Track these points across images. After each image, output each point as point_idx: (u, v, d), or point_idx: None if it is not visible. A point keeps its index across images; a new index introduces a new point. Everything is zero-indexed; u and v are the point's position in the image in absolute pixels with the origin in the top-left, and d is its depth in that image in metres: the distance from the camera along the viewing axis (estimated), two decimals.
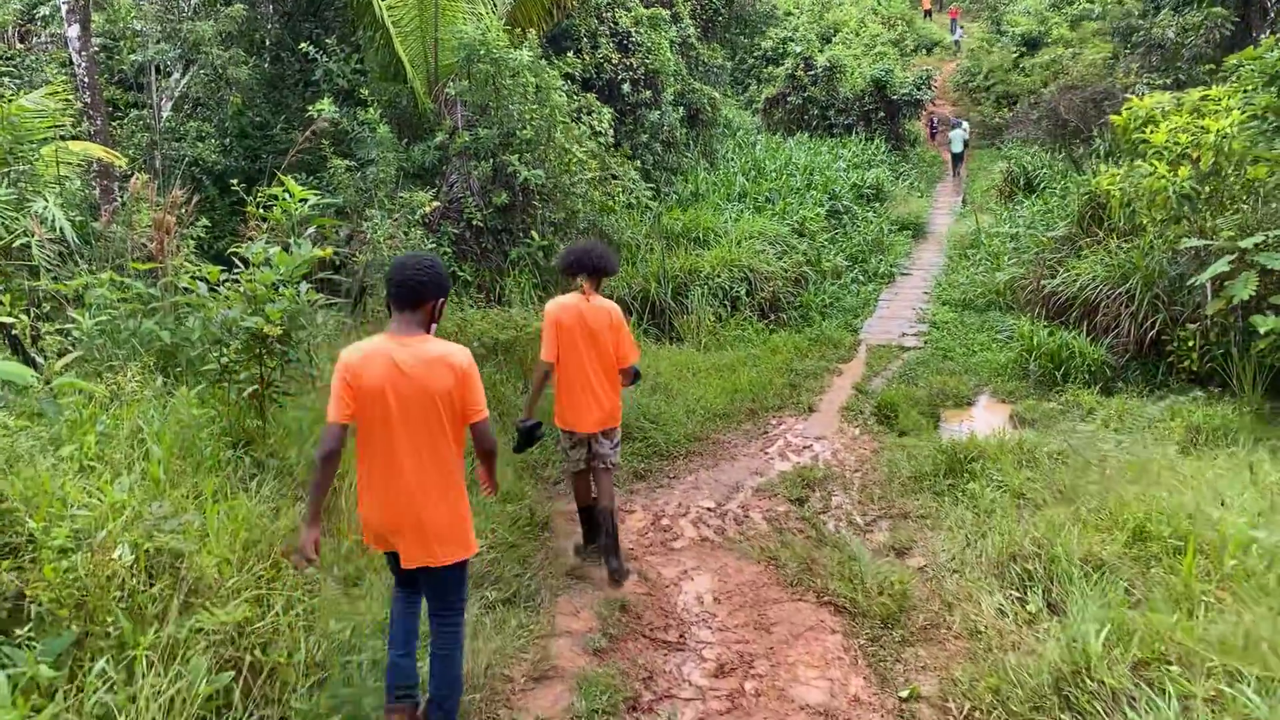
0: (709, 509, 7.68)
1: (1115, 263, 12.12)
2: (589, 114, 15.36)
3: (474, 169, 13.27)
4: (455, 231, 12.88)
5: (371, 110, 12.76)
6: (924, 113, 32.07)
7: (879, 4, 45.18)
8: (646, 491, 8.02)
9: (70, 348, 5.40)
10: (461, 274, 12.25)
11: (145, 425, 4.31)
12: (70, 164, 8.88)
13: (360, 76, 14.67)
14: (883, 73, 29.68)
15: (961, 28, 42.19)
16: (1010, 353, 12.66)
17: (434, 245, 11.79)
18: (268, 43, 16.60)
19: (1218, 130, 10.11)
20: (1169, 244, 11.34)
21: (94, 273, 6.47)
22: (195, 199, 8.79)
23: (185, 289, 5.39)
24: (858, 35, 39.66)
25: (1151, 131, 10.90)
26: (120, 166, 9.71)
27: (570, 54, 15.96)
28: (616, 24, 20.02)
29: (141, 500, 3.35)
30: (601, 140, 15.04)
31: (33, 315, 5.79)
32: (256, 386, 4.66)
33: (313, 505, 3.52)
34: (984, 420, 10.77)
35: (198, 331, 5.05)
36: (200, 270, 5.60)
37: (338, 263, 11.28)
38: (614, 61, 19.40)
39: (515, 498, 6.59)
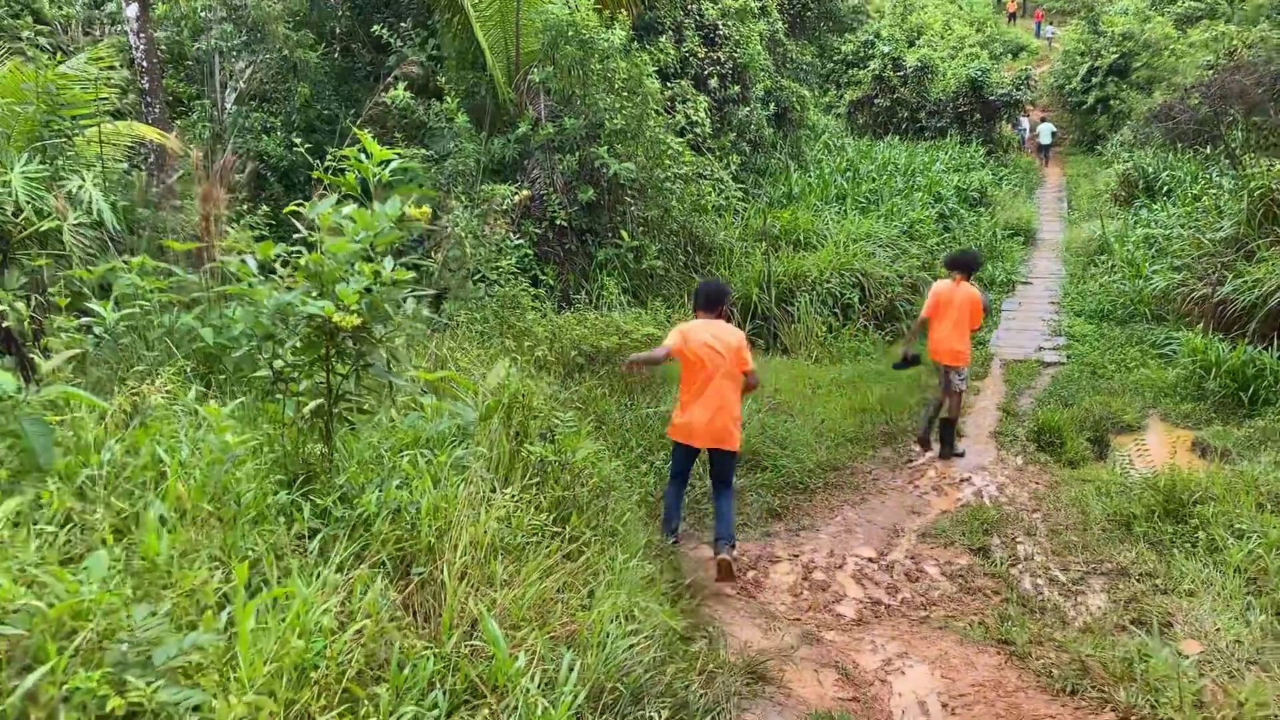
0: (869, 559, 6.20)
1: None
2: (684, 102, 14.02)
3: (558, 163, 12.01)
4: (537, 231, 11.59)
5: (450, 99, 11.60)
6: (1022, 115, 30.17)
7: (962, 7, 43.41)
8: (787, 535, 6.56)
9: (88, 349, 4.16)
10: (544, 278, 10.95)
11: (168, 456, 3.02)
12: (117, 144, 7.75)
13: (436, 65, 13.54)
14: (978, 72, 27.89)
15: (1053, 27, 40.16)
16: (1178, 370, 10.91)
17: (516, 245, 10.55)
18: (338, 32, 15.62)
19: None
20: None
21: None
22: (254, 184, 7.64)
23: (232, 275, 4.09)
24: (943, 38, 37.87)
25: None
26: (174, 150, 8.57)
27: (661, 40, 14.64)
28: (703, 16, 18.68)
29: (128, 595, 2.03)
30: (700, 131, 13.66)
31: (44, 309, 4.57)
32: (322, 400, 3.31)
33: (644, 358, 5.82)
34: (1158, 448, 9.12)
35: (243, 324, 3.75)
36: (249, 248, 4.37)
37: (411, 263, 10.13)
38: (700, 55, 18.04)
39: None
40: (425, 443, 3.88)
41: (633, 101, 12.35)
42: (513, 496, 3.62)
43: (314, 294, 3.14)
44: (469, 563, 3.08)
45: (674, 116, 13.72)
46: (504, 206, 9.43)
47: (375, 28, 12.91)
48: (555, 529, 3.67)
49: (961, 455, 8.70)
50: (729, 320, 6.34)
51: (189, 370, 4.24)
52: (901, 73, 28.79)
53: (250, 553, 2.71)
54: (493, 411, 4.20)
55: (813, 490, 7.44)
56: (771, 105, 20.25)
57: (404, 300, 3.59)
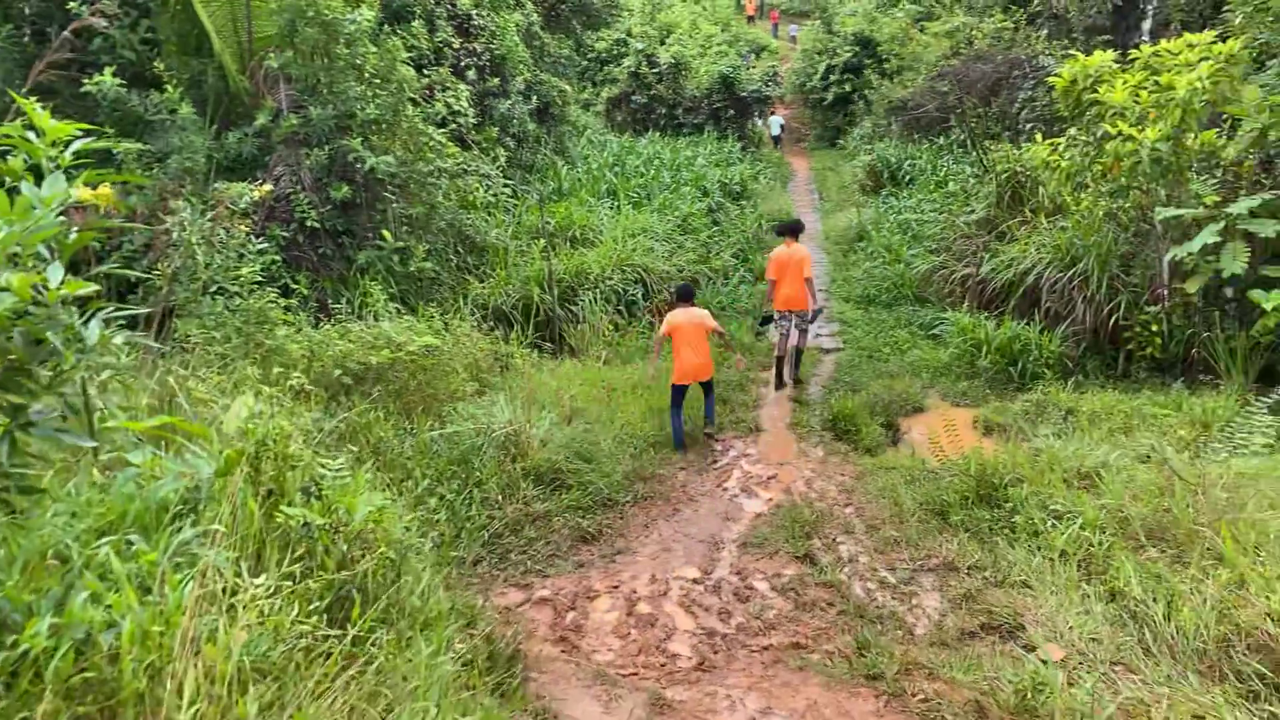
0: (694, 581, 5.59)
1: (1059, 243, 10.86)
2: (444, 91, 12.94)
3: (306, 158, 10.67)
4: (285, 234, 10.19)
5: (171, 89, 10.00)
6: (771, 111, 31.19)
7: (705, 7, 44.62)
8: (602, 562, 5.82)
9: None
10: (296, 287, 9.61)
11: None
12: None
13: (153, 50, 11.70)
14: (730, 69, 28.50)
15: (795, 26, 42.07)
16: (950, 350, 11.18)
17: (260, 250, 9.17)
18: (27, 12, 13.25)
19: (1189, 83, 8.90)
20: (1126, 216, 10.16)
21: None
22: None
23: None
24: (691, 37, 38.66)
25: (1106, 91, 9.63)
26: None
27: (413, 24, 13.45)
28: (455, 4, 17.61)
29: None
30: (463, 121, 12.65)
31: None
32: None
33: (652, 359, 9.31)
34: (939, 426, 9.19)
35: None
36: None
37: (134, 279, 8.53)
38: (456, 46, 16.97)
39: None
40: (135, 521, 2.78)
41: (386, 90, 11.18)
42: (268, 589, 2.62)
43: None
44: (204, 710, 2.08)
45: (434, 106, 12.62)
46: (241, 206, 8.06)
47: (71, 4, 10.95)
48: (332, 630, 2.70)
49: (800, 383, 10.80)
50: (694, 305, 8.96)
51: None
52: (656, 70, 28.94)
53: None
54: (234, 464, 3.15)
55: (623, 505, 6.75)
56: (534, 99, 19.49)
57: (103, 325, 2.50)
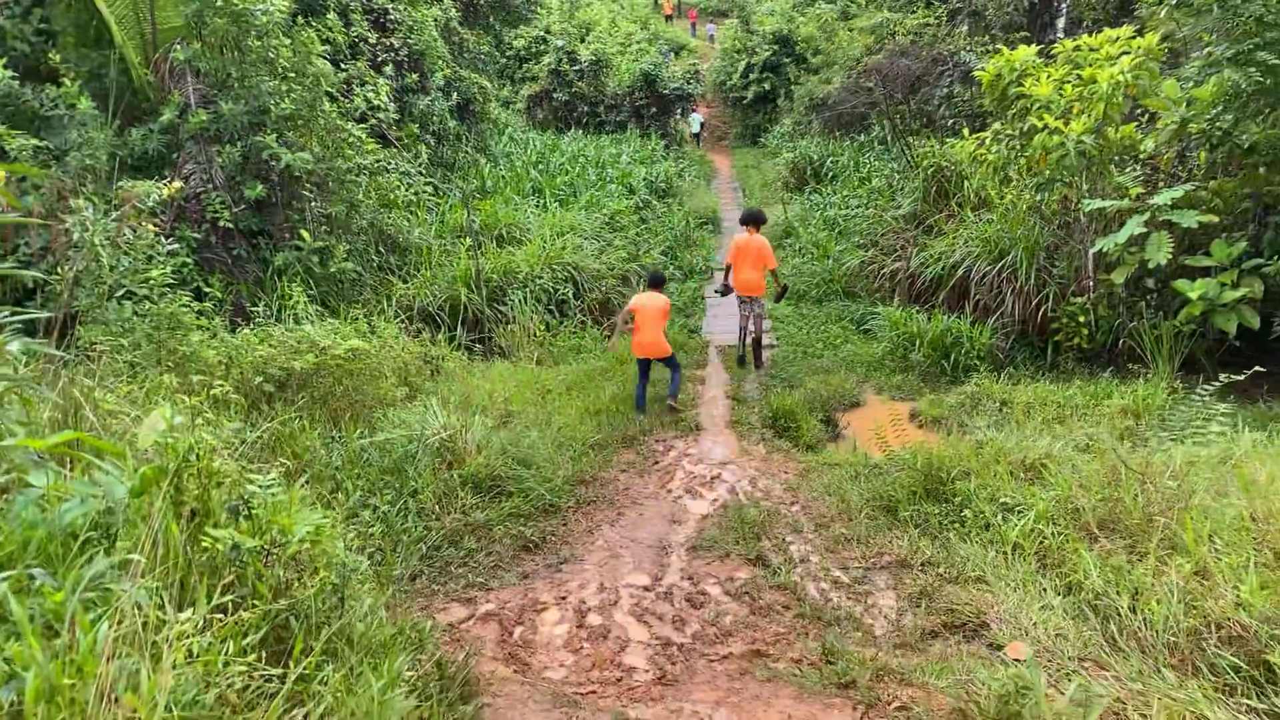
0: (645, 588, 5.38)
1: (986, 236, 10.97)
2: (362, 85, 12.47)
3: (217, 155, 10.16)
4: (196, 236, 9.69)
5: (68, 83, 9.41)
6: (693, 109, 31.19)
7: (623, 6, 44.49)
8: (548, 572, 5.56)
9: None
10: (210, 290, 9.12)
11: None
12: None
13: (48, 41, 11.03)
14: (652, 66, 28.39)
15: (713, 25, 42.20)
16: (883, 344, 11.21)
17: (170, 251, 8.67)
18: None
19: (1110, 77, 9.05)
20: (1050, 209, 10.29)
21: None
22: None
23: None
24: (611, 34, 38.47)
25: (1032, 85, 9.73)
26: None
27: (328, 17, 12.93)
28: None
29: None
30: (383, 116, 12.20)
31: None
32: None
33: (617, 332, 9.74)
34: (877, 420, 9.17)
35: None
36: None
37: (32, 282, 7.96)
38: (372, 41, 16.45)
39: None
40: (39, 552, 2.45)
41: (302, 84, 10.70)
42: (196, 624, 2.32)
43: None
44: None
45: (352, 101, 12.15)
46: (149, 205, 7.57)
47: None
48: (272, 668, 2.41)
49: (765, 365, 11.32)
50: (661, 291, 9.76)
51: None
52: (577, 67, 28.68)
53: None
54: (152, 483, 2.83)
55: (566, 511, 6.50)
56: (454, 96, 19.04)
57: None
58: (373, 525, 5.36)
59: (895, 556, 5.67)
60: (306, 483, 5.56)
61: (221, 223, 9.78)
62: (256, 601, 2.65)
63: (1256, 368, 6.77)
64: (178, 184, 8.17)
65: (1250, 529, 4.26)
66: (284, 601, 2.67)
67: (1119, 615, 4.03)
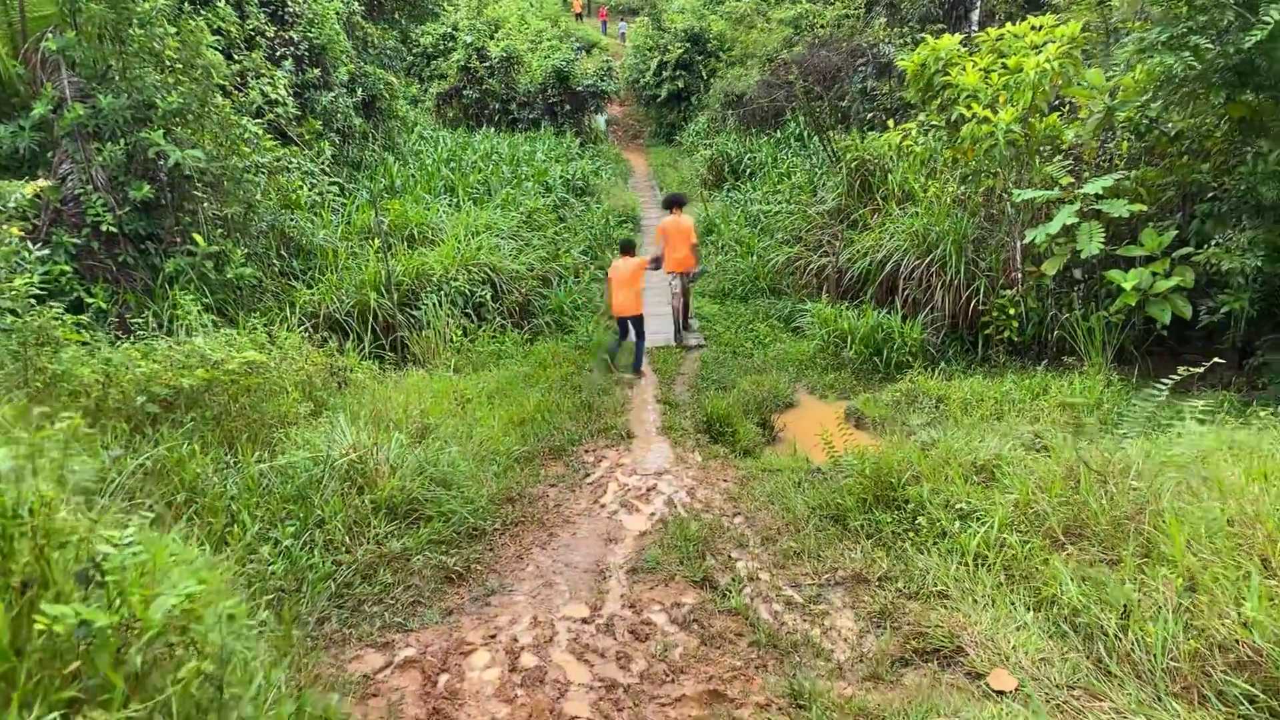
0: (583, 621, 4.88)
1: (914, 230, 10.78)
2: (258, 78, 11.65)
3: (98, 154, 9.32)
4: (75, 241, 8.86)
5: None
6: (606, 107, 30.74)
7: (532, 4, 43.81)
8: (475, 607, 5.02)
9: None
10: (92, 300, 8.30)
11: None
12: None
13: None
14: (564, 63, 27.84)
15: (625, 23, 41.83)
16: (814, 342, 10.92)
17: (41, 257, 7.84)
18: None
19: (1036, 65, 8.90)
20: (974, 201, 10.14)
21: None
22: None
23: None
24: (521, 31, 37.75)
25: (958, 75, 9.55)
26: None
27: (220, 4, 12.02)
28: None
29: None
30: (282, 111, 11.42)
31: None
32: None
33: (610, 294, 10.78)
34: (813, 421, 8.87)
35: None
36: None
37: None
38: (270, 35, 15.53)
39: None
40: None
41: (190, 77, 9.89)
42: None
43: None
44: None
45: (248, 95, 11.34)
46: (8, 207, 6.76)
47: None
48: None
49: (700, 345, 11.97)
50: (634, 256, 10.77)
51: None
52: (488, 64, 27.97)
53: None
54: None
55: (491, 534, 5.96)
56: (359, 92, 18.20)
57: None
58: (274, 563, 4.74)
59: (849, 571, 5.30)
60: (194, 516, 4.92)
61: (104, 226, 8.97)
62: (106, 695, 2.09)
63: (1216, 359, 6.60)
64: (44, 182, 7.34)
65: (1231, 534, 3.99)
66: (140, 705, 2.10)
67: (1105, 635, 3.71)
